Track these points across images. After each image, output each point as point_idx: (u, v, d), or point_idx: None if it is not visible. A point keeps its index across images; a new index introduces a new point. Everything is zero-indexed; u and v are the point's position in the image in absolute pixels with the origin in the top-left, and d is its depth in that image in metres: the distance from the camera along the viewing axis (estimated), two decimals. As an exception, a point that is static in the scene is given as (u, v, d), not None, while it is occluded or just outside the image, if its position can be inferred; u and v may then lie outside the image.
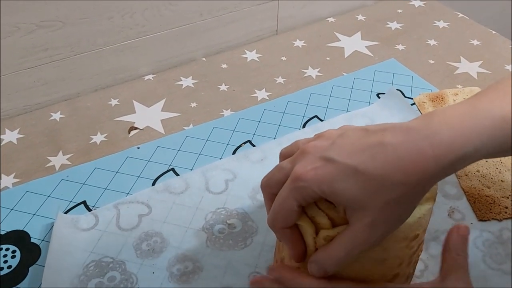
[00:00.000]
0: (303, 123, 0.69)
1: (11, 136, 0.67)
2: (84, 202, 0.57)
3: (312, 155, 0.37)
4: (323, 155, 0.36)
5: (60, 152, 0.64)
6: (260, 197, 0.58)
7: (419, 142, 0.34)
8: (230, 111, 0.71)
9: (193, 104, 0.73)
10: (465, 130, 0.35)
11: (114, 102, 0.73)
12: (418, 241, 0.40)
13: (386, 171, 0.34)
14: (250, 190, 0.59)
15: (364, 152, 0.35)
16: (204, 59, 0.83)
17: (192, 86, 0.77)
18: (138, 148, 0.65)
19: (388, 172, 0.34)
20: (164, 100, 0.73)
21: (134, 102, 0.73)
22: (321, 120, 0.69)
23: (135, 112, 0.71)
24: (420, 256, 0.44)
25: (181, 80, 0.78)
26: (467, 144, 0.35)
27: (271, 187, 0.40)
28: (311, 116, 0.70)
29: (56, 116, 0.71)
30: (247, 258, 0.51)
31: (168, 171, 0.61)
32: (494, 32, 0.89)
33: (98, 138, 0.67)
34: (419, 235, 0.40)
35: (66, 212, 0.56)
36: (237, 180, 0.60)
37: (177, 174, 0.61)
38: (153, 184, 0.59)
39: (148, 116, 0.71)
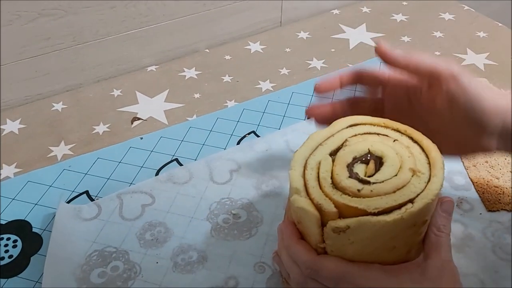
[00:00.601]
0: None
1: (12, 126, 0.66)
2: (87, 192, 0.56)
3: None
4: None
5: (62, 142, 0.63)
6: (265, 187, 0.57)
7: None
8: (234, 102, 0.70)
9: (197, 95, 0.72)
10: None
11: (116, 92, 0.72)
12: (426, 226, 0.39)
13: None
14: (255, 181, 0.58)
15: None
16: (207, 50, 0.82)
17: (196, 77, 0.76)
18: (141, 138, 0.64)
19: None
20: (167, 91, 0.73)
21: (137, 93, 0.72)
22: (327, 111, 0.68)
23: (138, 103, 0.70)
24: None
25: (184, 71, 0.77)
26: None
27: None
28: (316, 107, 0.69)
29: (58, 106, 0.70)
30: (252, 248, 0.50)
31: (171, 161, 0.60)
32: (500, 24, 0.88)
33: (100, 128, 0.66)
34: (427, 220, 0.39)
35: (68, 202, 0.55)
36: (241, 171, 0.59)
37: (181, 164, 0.60)
38: (157, 174, 0.59)
39: (151, 107, 0.70)
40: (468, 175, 0.57)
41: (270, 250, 0.50)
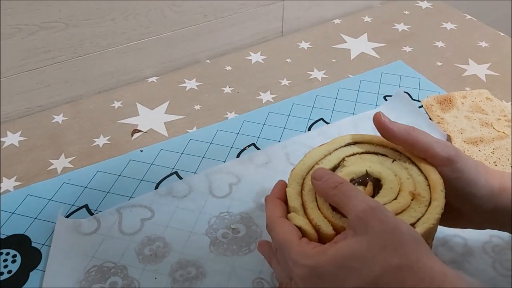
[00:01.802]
0: (308, 126, 0.68)
1: (12, 138, 0.66)
2: (86, 206, 0.56)
3: None
4: None
5: (62, 155, 0.63)
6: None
7: None
8: (234, 113, 0.70)
9: (197, 107, 0.72)
10: None
11: (117, 104, 0.72)
12: None
13: None
14: (254, 194, 0.57)
15: None
16: (208, 61, 0.82)
17: (196, 88, 0.76)
18: (141, 151, 0.64)
19: None
20: (167, 102, 0.73)
21: (138, 105, 0.72)
22: (327, 123, 0.68)
23: (138, 115, 0.70)
24: None
25: (185, 82, 0.77)
26: None
27: None
28: (316, 119, 0.69)
29: (59, 118, 0.70)
30: (251, 263, 0.50)
31: (171, 174, 0.60)
32: (502, 34, 0.87)
33: (100, 141, 0.66)
34: (429, 243, 0.38)
35: (67, 216, 0.55)
36: (241, 184, 0.59)
37: (180, 178, 0.60)
38: (156, 187, 0.58)
39: (152, 118, 0.70)
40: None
41: (269, 266, 0.49)
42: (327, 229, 0.37)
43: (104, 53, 0.73)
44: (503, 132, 0.65)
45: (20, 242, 0.52)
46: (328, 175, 0.39)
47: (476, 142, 0.63)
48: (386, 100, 0.72)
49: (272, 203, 0.42)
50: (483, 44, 0.85)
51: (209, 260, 0.50)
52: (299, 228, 0.39)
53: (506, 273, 0.49)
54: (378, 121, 0.43)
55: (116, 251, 0.51)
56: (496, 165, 0.60)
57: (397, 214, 0.38)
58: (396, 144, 0.43)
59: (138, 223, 0.54)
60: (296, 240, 0.38)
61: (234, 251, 0.51)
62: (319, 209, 0.39)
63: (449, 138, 0.64)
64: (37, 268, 0.50)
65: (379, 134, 0.44)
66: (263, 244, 0.45)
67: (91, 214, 0.55)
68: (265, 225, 0.42)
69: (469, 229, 0.50)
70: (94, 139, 0.66)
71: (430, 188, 0.40)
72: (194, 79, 0.78)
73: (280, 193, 0.43)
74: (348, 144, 0.44)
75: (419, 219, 0.38)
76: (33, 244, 0.52)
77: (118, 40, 0.73)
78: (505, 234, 0.52)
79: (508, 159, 0.61)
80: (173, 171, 0.61)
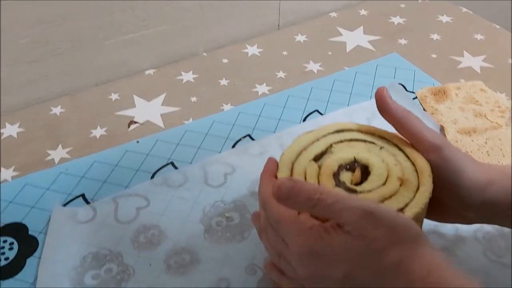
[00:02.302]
0: (303, 117, 0.69)
1: (11, 130, 0.67)
2: (83, 195, 0.57)
3: None
4: None
5: (60, 146, 0.64)
6: (259, 190, 0.57)
7: None
8: (230, 105, 0.71)
9: (193, 99, 0.73)
10: None
11: (114, 96, 0.73)
12: None
13: None
14: (248, 184, 0.58)
15: None
16: (205, 54, 0.83)
17: (193, 80, 0.76)
18: (138, 142, 0.64)
19: None
20: (164, 94, 0.73)
21: (135, 97, 0.73)
22: (322, 114, 0.69)
23: (135, 107, 0.71)
24: None
25: (181, 75, 0.78)
26: None
27: None
28: (311, 111, 0.70)
29: (57, 110, 0.71)
30: (245, 250, 0.51)
31: (167, 164, 0.61)
32: (498, 26, 0.88)
33: (98, 132, 0.67)
34: None
35: (64, 205, 0.56)
36: (236, 174, 0.60)
37: (176, 168, 0.60)
38: (152, 177, 0.59)
39: (148, 110, 0.70)
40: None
41: (261, 252, 0.50)
42: None
43: (102, 46, 0.74)
44: (496, 123, 0.65)
45: (17, 230, 0.53)
46: (293, 191, 0.36)
47: (469, 132, 0.64)
48: (380, 91, 0.72)
49: (266, 180, 0.42)
50: (479, 36, 0.85)
51: (203, 247, 0.51)
52: None
53: (496, 260, 0.50)
54: (380, 94, 0.43)
55: (111, 239, 0.52)
56: (489, 155, 0.61)
57: (385, 199, 0.39)
58: (388, 121, 0.43)
59: (133, 211, 0.55)
60: (293, 216, 0.38)
61: (228, 239, 0.52)
62: None
63: (442, 129, 0.65)
64: (33, 255, 0.51)
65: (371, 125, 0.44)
66: (257, 216, 0.45)
67: (88, 203, 0.56)
68: (258, 202, 0.42)
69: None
70: (91, 131, 0.67)
71: (417, 173, 0.40)
72: (191, 72, 0.78)
73: (272, 170, 0.43)
74: (336, 131, 0.45)
75: (407, 204, 0.39)
76: (30, 232, 0.53)
77: (115, 33, 0.74)
78: (495, 223, 0.53)
79: (501, 149, 0.62)
80: (169, 162, 0.62)
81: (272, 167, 0.43)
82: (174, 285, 0.47)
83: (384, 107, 0.43)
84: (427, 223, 0.50)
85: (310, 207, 0.36)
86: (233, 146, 0.64)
